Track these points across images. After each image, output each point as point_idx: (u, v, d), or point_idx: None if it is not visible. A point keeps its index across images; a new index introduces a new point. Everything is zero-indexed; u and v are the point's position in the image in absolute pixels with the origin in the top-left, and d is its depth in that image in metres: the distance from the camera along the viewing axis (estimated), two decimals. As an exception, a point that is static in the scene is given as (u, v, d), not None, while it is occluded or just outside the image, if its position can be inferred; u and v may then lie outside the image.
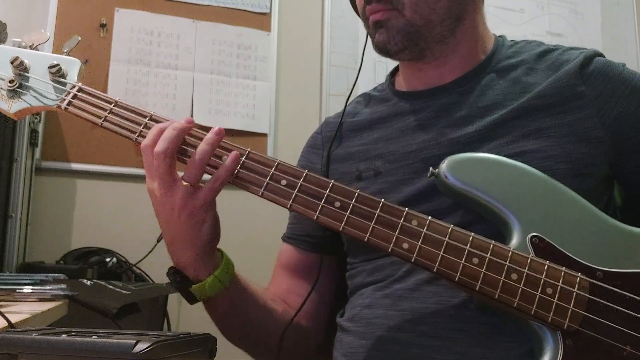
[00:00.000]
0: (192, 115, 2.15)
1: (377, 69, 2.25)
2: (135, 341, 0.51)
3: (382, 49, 0.86)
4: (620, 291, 0.67)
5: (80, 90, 0.82)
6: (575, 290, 0.67)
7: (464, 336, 0.74)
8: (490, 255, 0.68)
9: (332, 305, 0.96)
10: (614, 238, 0.71)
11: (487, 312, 0.73)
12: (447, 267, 0.68)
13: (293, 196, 0.73)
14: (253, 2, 2.31)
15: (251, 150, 0.76)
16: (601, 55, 0.86)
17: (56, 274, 1.31)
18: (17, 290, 1.10)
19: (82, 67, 0.86)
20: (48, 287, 1.16)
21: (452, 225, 0.70)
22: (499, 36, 0.94)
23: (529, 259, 0.68)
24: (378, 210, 0.71)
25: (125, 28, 2.14)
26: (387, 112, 0.92)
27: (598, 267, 0.68)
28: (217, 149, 0.76)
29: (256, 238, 2.02)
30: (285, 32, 2.34)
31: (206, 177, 0.76)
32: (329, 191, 0.72)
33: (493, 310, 0.70)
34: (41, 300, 1.11)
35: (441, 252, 0.68)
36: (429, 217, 0.70)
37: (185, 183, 0.74)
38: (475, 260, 0.68)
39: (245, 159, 0.76)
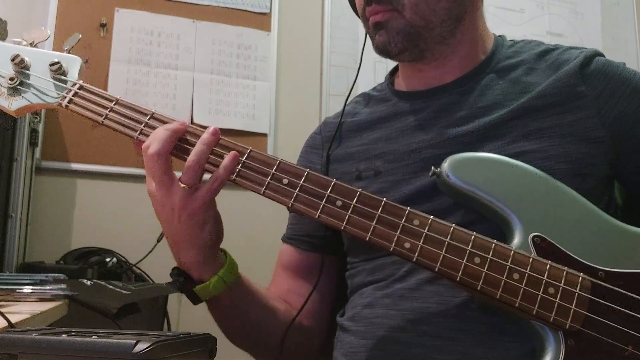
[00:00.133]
0: (192, 115, 2.15)
1: (377, 69, 2.25)
2: (135, 341, 0.51)
3: (383, 50, 0.86)
4: (622, 291, 0.67)
5: (81, 88, 0.82)
6: (577, 290, 0.67)
7: (465, 336, 0.73)
8: (492, 255, 0.68)
9: (333, 305, 0.96)
10: (615, 238, 0.71)
11: (488, 312, 0.72)
12: (448, 267, 0.68)
13: (295, 195, 0.73)
14: (253, 2, 2.31)
15: (253, 149, 0.76)
16: (601, 55, 0.86)
17: (56, 274, 1.31)
18: (17, 290, 1.10)
19: (83, 64, 0.85)
20: (48, 287, 1.15)
21: (453, 224, 0.70)
22: (499, 36, 0.93)
23: (531, 259, 0.68)
24: (380, 210, 0.71)
25: (125, 28, 2.14)
26: (387, 112, 0.92)
27: (600, 267, 0.68)
28: (218, 148, 0.76)
29: (256, 238, 2.02)
30: (285, 32, 2.34)
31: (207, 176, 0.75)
32: (331, 190, 0.72)
33: (494, 310, 0.70)
34: (41, 300, 1.11)
35: (443, 252, 0.68)
36: (431, 217, 0.70)
37: (183, 185, 0.73)
38: (477, 260, 0.68)
39: (246, 157, 0.75)
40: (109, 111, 0.80)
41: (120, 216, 2.03)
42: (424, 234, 0.69)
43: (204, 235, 0.76)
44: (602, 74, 0.82)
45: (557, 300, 0.66)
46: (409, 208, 0.71)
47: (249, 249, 1.82)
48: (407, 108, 0.90)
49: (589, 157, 0.78)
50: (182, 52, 2.19)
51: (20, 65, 0.82)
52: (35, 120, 1.88)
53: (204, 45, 2.22)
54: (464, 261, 0.68)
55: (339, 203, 0.72)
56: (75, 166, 2.02)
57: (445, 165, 0.74)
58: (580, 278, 0.67)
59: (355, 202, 0.71)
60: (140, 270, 1.95)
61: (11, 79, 0.82)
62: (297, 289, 0.94)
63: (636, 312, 0.66)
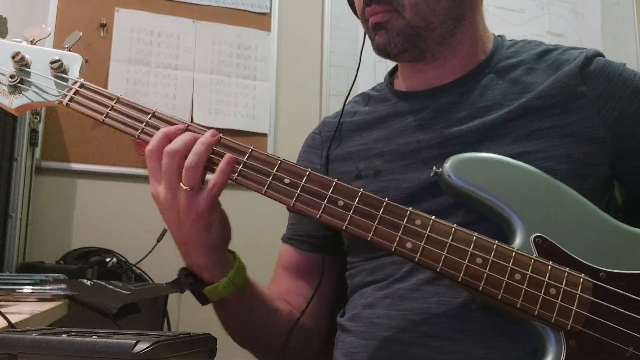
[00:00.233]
0: (192, 115, 2.15)
1: (377, 69, 2.25)
2: (135, 341, 0.51)
3: (382, 51, 0.86)
4: (623, 292, 0.67)
5: (82, 86, 0.82)
6: (579, 291, 0.66)
7: (466, 336, 0.73)
8: (494, 255, 0.68)
9: (333, 305, 0.96)
10: (617, 239, 0.71)
11: (489, 312, 0.72)
12: (450, 268, 0.68)
13: (296, 195, 0.73)
14: (253, 2, 2.31)
15: (254, 149, 0.76)
16: (602, 55, 0.86)
17: (56, 274, 1.31)
18: (17, 290, 1.10)
19: (84, 62, 0.85)
20: (48, 287, 1.15)
21: (455, 225, 0.70)
22: (498, 36, 0.93)
23: (533, 260, 0.68)
24: (381, 210, 0.70)
25: (125, 28, 2.14)
26: (386, 112, 0.92)
27: (601, 268, 0.68)
28: (219, 148, 0.75)
29: (256, 238, 2.01)
30: (285, 32, 2.34)
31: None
32: (332, 190, 0.72)
33: (495, 310, 0.70)
34: (41, 300, 1.11)
35: (444, 253, 0.68)
36: (433, 217, 0.70)
37: (185, 187, 0.73)
38: (479, 260, 0.68)
39: (248, 157, 0.75)
40: (110, 109, 0.80)
41: (120, 216, 2.03)
42: (426, 234, 0.69)
43: (210, 237, 0.76)
44: (602, 75, 0.82)
45: (559, 301, 0.66)
46: (410, 208, 0.71)
47: (249, 248, 1.81)
48: (407, 108, 0.90)
49: (589, 158, 0.78)
50: (182, 52, 2.19)
51: (21, 63, 0.82)
52: (35, 120, 1.88)
53: (204, 45, 2.22)
54: (466, 262, 0.68)
55: (340, 203, 0.72)
56: (75, 166, 2.02)
57: (447, 165, 0.73)
58: (582, 279, 0.67)
59: (357, 202, 0.71)
60: (140, 270, 1.95)
61: (12, 76, 0.82)
62: (297, 289, 0.94)
63: (637, 313, 0.66)
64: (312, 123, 1.04)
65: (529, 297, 0.66)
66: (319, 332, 0.94)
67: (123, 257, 1.95)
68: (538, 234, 0.70)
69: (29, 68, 0.83)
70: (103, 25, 2.11)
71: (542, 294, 0.66)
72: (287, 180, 0.74)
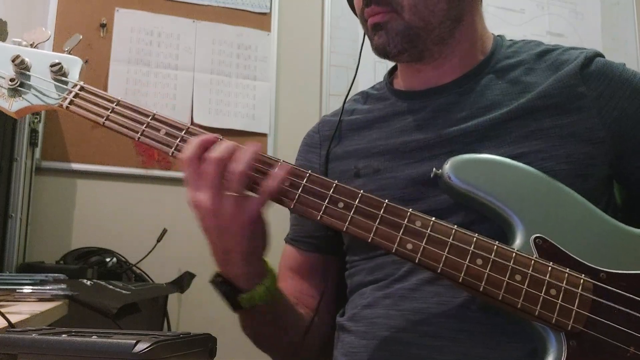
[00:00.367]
0: (192, 115, 2.15)
1: (376, 69, 2.25)
2: (135, 341, 0.51)
3: (382, 52, 0.86)
4: (624, 292, 0.67)
5: (82, 89, 0.82)
6: (579, 291, 0.66)
7: (466, 336, 0.73)
8: (494, 256, 0.68)
9: (333, 305, 0.96)
10: (617, 239, 0.71)
11: (489, 312, 0.72)
12: (451, 268, 0.68)
13: (297, 197, 0.73)
14: (253, 2, 2.31)
15: (257, 152, 0.76)
16: (601, 55, 0.86)
17: (56, 274, 1.31)
18: (17, 290, 1.10)
19: (84, 65, 0.85)
20: (48, 287, 1.15)
21: (455, 225, 0.70)
22: (498, 36, 0.93)
23: (533, 260, 0.68)
24: (382, 211, 0.70)
25: (125, 28, 2.14)
26: (386, 111, 0.91)
27: (601, 269, 0.68)
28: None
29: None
30: (285, 32, 2.34)
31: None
32: (333, 191, 0.72)
33: (496, 310, 0.70)
34: (41, 300, 1.11)
35: (445, 253, 0.68)
36: (433, 218, 0.70)
37: (230, 193, 0.72)
38: (479, 261, 0.68)
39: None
40: (110, 112, 0.80)
41: (120, 216, 2.03)
42: (427, 234, 0.69)
43: (252, 245, 0.75)
44: (602, 75, 0.82)
45: (559, 301, 0.66)
46: (410, 209, 0.71)
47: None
48: (406, 108, 0.90)
49: (589, 158, 0.78)
50: (182, 52, 2.19)
51: (21, 66, 0.82)
52: (35, 121, 1.88)
53: (204, 45, 2.22)
54: (467, 262, 0.68)
55: (341, 204, 0.71)
56: (75, 166, 2.02)
57: (447, 166, 0.73)
58: (582, 279, 0.67)
59: (358, 203, 0.71)
60: (140, 270, 1.95)
61: (11, 80, 0.82)
62: (306, 290, 0.94)
63: (638, 313, 0.66)
64: (312, 123, 1.04)
65: (529, 298, 0.66)
66: (319, 332, 0.94)
67: (123, 257, 1.95)
68: (538, 235, 0.70)
69: (28, 71, 0.83)
70: (103, 26, 2.11)
71: (542, 295, 0.66)
72: (287, 182, 0.73)
